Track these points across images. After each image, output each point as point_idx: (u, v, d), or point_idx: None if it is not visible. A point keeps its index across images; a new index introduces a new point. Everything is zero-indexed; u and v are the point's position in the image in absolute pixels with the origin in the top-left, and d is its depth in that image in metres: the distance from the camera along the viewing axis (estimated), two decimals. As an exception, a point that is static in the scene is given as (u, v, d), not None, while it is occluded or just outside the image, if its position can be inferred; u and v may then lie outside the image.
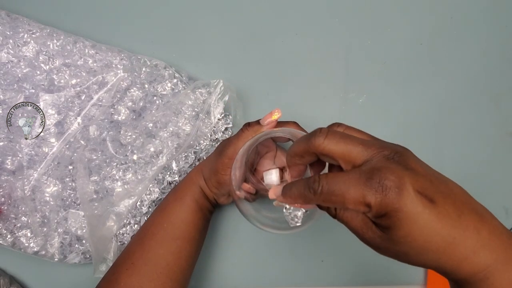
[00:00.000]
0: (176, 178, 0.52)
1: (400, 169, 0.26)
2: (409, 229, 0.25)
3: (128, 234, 0.52)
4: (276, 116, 0.42)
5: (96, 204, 0.50)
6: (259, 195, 0.45)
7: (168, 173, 0.52)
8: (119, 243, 0.51)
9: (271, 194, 0.33)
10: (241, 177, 0.44)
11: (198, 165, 0.50)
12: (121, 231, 0.51)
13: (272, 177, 0.44)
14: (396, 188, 0.25)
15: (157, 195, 0.52)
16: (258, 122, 0.43)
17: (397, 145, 0.29)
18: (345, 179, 0.27)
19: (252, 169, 0.48)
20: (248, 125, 0.43)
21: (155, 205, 0.53)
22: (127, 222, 0.51)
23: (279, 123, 0.44)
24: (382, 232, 0.27)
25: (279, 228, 0.40)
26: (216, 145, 0.54)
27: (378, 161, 0.27)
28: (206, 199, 0.47)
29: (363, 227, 0.28)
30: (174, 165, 0.52)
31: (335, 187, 0.27)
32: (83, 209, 0.49)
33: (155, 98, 0.53)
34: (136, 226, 0.52)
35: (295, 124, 0.44)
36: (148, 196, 0.52)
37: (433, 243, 0.26)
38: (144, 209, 0.52)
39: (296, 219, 0.39)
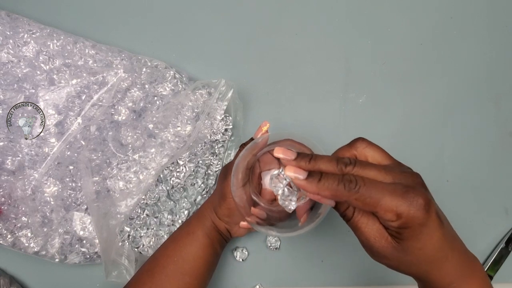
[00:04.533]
0: (180, 179, 0.53)
1: (428, 193, 0.31)
2: (425, 242, 0.30)
3: (133, 234, 0.52)
4: (265, 127, 0.44)
5: (98, 204, 0.50)
6: (270, 218, 0.45)
7: (169, 172, 0.52)
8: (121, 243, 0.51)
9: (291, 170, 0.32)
10: (248, 197, 0.43)
11: (208, 199, 0.50)
12: (131, 234, 0.52)
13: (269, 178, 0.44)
14: (427, 206, 0.29)
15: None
16: (252, 139, 0.44)
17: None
18: (383, 187, 0.30)
19: (259, 191, 0.47)
20: (243, 145, 0.45)
21: (155, 204, 0.53)
22: (129, 223, 0.52)
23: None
24: (396, 242, 0.31)
25: (289, 231, 0.41)
26: (215, 147, 0.54)
27: (411, 182, 0.31)
28: (218, 233, 0.47)
29: (377, 235, 0.31)
30: (175, 165, 0.52)
31: (372, 191, 0.29)
32: (90, 209, 0.49)
33: (155, 98, 0.53)
34: (139, 229, 0.52)
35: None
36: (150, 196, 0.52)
37: (435, 257, 0.31)
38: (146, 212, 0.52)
39: (292, 203, 0.38)
